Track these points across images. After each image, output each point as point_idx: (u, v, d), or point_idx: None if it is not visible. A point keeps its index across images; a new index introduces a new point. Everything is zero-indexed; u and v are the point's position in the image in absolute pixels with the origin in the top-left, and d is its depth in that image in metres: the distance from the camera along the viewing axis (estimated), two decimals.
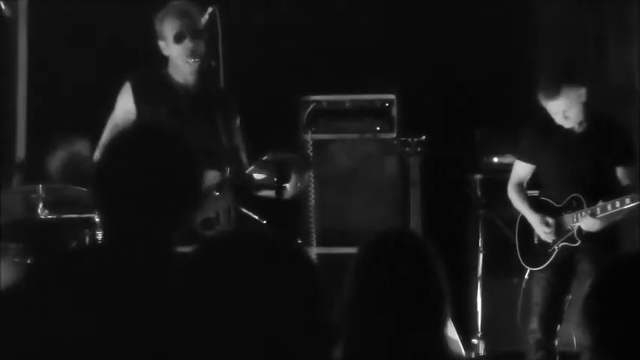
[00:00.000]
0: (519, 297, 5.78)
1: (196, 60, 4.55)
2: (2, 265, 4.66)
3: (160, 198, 2.37)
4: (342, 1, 6.79)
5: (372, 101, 6.40)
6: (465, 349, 5.62)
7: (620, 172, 5.22)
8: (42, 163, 5.63)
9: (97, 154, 4.58)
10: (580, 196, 5.17)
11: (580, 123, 5.19)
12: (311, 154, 6.20)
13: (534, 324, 5.28)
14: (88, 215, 4.88)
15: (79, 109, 6.04)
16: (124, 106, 4.62)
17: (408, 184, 5.89)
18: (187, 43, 4.53)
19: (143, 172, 2.38)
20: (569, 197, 5.22)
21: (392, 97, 6.36)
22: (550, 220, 5.25)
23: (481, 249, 6.29)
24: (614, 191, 5.12)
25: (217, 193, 4.32)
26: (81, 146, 5.44)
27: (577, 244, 5.20)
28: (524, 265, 5.42)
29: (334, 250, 5.90)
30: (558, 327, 5.28)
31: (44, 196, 4.94)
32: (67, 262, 2.39)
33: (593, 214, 5.10)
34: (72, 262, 2.39)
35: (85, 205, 4.85)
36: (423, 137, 5.83)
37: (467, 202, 6.43)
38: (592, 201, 5.12)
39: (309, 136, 6.25)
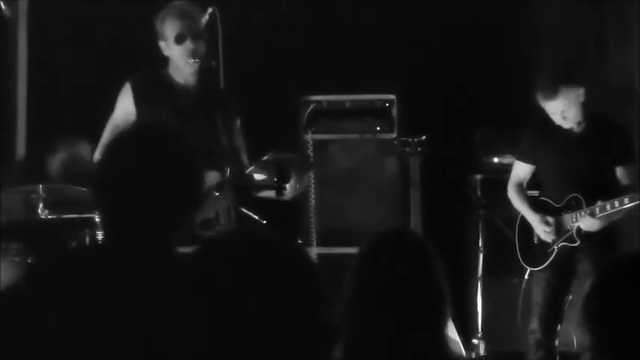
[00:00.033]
0: (520, 297, 5.78)
1: (197, 60, 4.56)
2: (2, 265, 4.66)
3: (161, 198, 2.37)
4: (342, 1, 6.79)
5: (372, 101, 6.39)
6: (465, 350, 5.62)
7: (619, 171, 5.21)
8: (42, 163, 5.63)
9: (97, 155, 4.58)
10: (579, 196, 5.17)
11: (579, 123, 5.19)
12: (311, 154, 6.20)
13: (534, 324, 5.28)
14: (88, 215, 4.88)
15: (79, 109, 6.05)
16: (124, 107, 4.62)
17: (408, 184, 5.89)
18: (188, 44, 4.54)
19: (143, 173, 2.38)
20: (568, 197, 5.22)
21: (392, 97, 6.36)
22: (550, 220, 5.25)
23: (481, 249, 6.29)
24: (613, 191, 5.11)
25: (217, 194, 4.32)
26: (81, 147, 5.44)
27: (576, 244, 5.20)
28: (524, 265, 5.43)
29: (334, 250, 5.90)
30: (558, 327, 5.28)
31: (44, 196, 4.94)
32: (67, 262, 2.39)
33: (592, 214, 5.10)
34: (72, 262, 2.39)
35: (85, 205, 4.85)
36: (423, 137, 5.83)
37: (467, 203, 6.43)
38: (591, 201, 5.12)
39: (310, 137, 6.25)
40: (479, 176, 6.41)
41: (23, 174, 5.69)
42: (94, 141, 4.76)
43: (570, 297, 5.25)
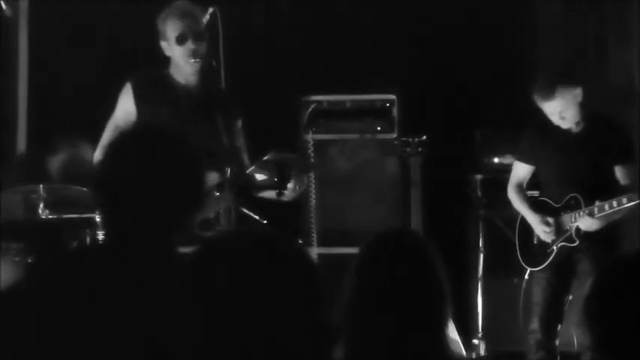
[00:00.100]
0: (520, 297, 5.78)
1: (197, 61, 4.56)
2: (3, 265, 4.67)
3: (161, 198, 2.38)
4: (342, 1, 6.79)
5: (373, 101, 6.40)
6: (465, 350, 5.62)
7: (618, 171, 5.21)
8: (42, 163, 5.63)
9: (97, 155, 4.58)
10: (578, 196, 5.17)
11: (577, 123, 5.18)
12: (312, 154, 6.20)
13: (535, 324, 5.28)
14: (88, 215, 4.88)
15: (79, 109, 6.05)
16: (125, 107, 4.62)
17: (408, 184, 5.89)
18: (189, 45, 4.54)
19: (144, 173, 2.38)
20: (567, 197, 5.22)
21: (392, 97, 6.36)
22: (550, 220, 5.25)
23: (482, 249, 6.29)
24: (612, 191, 5.11)
25: (218, 194, 4.32)
26: (82, 148, 5.44)
27: (575, 244, 5.20)
28: (524, 265, 5.43)
29: (335, 250, 5.90)
30: (559, 327, 5.28)
31: (45, 196, 4.95)
32: (67, 262, 2.40)
33: (590, 214, 5.09)
34: (72, 262, 2.39)
35: (85, 205, 4.86)
36: (424, 137, 5.83)
37: (467, 203, 6.43)
38: (590, 201, 5.11)
39: (310, 137, 6.25)
40: (479, 176, 6.41)
41: (24, 174, 5.69)
42: (95, 141, 4.77)
43: (570, 297, 5.25)
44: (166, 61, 4.65)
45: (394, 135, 6.27)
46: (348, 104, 6.39)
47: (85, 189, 4.89)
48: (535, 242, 5.35)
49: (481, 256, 6.29)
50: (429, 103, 6.50)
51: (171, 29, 4.56)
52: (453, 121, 6.51)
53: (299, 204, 6.02)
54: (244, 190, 4.40)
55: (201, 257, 1.74)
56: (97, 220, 4.80)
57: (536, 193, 5.49)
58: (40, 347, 2.20)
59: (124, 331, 2.19)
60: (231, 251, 1.73)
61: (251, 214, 4.62)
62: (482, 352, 6.23)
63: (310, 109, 6.31)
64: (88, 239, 4.93)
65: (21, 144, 6.51)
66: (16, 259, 4.89)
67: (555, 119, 5.15)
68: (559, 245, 5.24)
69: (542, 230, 5.27)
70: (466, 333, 5.99)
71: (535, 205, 5.35)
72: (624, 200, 5.00)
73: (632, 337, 2.02)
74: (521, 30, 6.84)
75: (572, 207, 5.20)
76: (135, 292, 2.23)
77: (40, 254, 4.88)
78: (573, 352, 5.53)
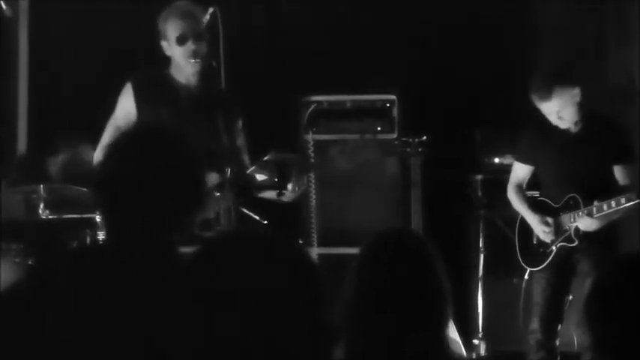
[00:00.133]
0: (520, 297, 5.78)
1: (198, 61, 4.56)
2: (3, 266, 4.67)
3: (161, 199, 2.38)
4: (342, 1, 6.79)
5: (373, 102, 6.39)
6: (466, 350, 5.62)
7: (617, 171, 5.20)
8: (43, 163, 5.64)
9: (97, 155, 4.58)
10: (577, 196, 5.17)
11: (576, 123, 5.17)
12: (312, 154, 6.20)
13: (535, 324, 5.28)
14: (88, 215, 4.89)
15: (79, 109, 6.05)
16: (125, 107, 4.62)
17: (408, 184, 5.88)
18: (190, 45, 4.54)
19: (144, 173, 2.38)
20: (566, 197, 5.22)
21: (393, 97, 6.36)
22: (549, 220, 5.25)
23: (482, 249, 6.29)
24: (611, 191, 5.10)
25: (218, 194, 4.32)
26: (82, 148, 5.45)
27: (575, 244, 5.19)
28: (523, 265, 5.42)
29: (335, 250, 5.90)
30: (559, 327, 5.27)
31: (45, 196, 4.95)
32: (67, 263, 2.40)
33: (589, 214, 5.09)
34: (73, 262, 2.39)
35: (85, 205, 4.86)
36: (424, 138, 5.82)
37: (468, 203, 6.43)
38: (589, 201, 5.10)
39: (310, 137, 6.25)
40: (479, 176, 6.41)
41: (24, 174, 5.69)
42: (95, 141, 4.77)
43: (570, 297, 5.25)
44: (167, 61, 4.65)
45: (394, 135, 6.27)
46: (348, 104, 6.39)
47: (85, 189, 4.89)
48: (535, 242, 5.35)
49: (481, 256, 6.29)
50: (429, 103, 6.50)
51: (171, 29, 4.56)
52: (453, 121, 6.51)
53: (299, 204, 6.02)
54: (244, 190, 4.40)
55: (201, 257, 1.74)
56: (97, 220, 4.80)
57: (536, 193, 5.49)
58: (40, 347, 2.20)
59: (124, 331, 2.19)
60: (231, 251, 1.73)
61: (251, 214, 4.62)
62: (482, 352, 6.23)
63: (310, 110, 6.30)
64: (88, 239, 4.93)
65: (21, 144, 6.51)
66: (17, 259, 4.89)
67: (553, 119, 5.15)
68: (558, 245, 5.24)
69: (541, 230, 5.27)
70: (466, 333, 5.99)
71: (534, 206, 5.35)
72: (623, 200, 5.00)
73: (632, 337, 2.02)
74: (521, 30, 6.84)
75: (571, 207, 5.20)
76: (135, 292, 2.23)
77: (41, 254, 4.88)
78: (573, 352, 5.52)
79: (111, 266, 2.32)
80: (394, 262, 2.58)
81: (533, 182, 5.48)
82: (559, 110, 5.10)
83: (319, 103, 6.34)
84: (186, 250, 2.09)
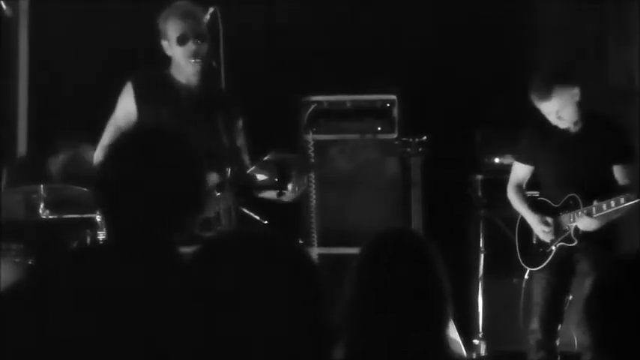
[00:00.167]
0: (520, 297, 5.78)
1: (198, 61, 4.56)
2: (3, 266, 4.67)
3: (162, 199, 2.38)
4: (342, 1, 6.79)
5: (373, 102, 6.39)
6: (466, 350, 5.62)
7: (617, 171, 5.19)
8: (43, 164, 5.64)
9: (97, 154, 4.58)
10: (576, 195, 5.17)
11: (576, 123, 5.17)
12: (312, 154, 6.20)
13: (535, 324, 5.28)
14: (89, 215, 4.89)
15: (80, 108, 6.05)
16: (125, 107, 4.62)
17: (408, 184, 5.88)
18: (190, 45, 4.54)
19: (144, 173, 2.38)
20: (566, 197, 5.22)
21: (393, 97, 6.36)
22: (549, 220, 5.25)
23: (482, 249, 6.30)
24: (611, 191, 5.10)
25: (218, 194, 4.32)
26: (82, 148, 5.45)
27: (574, 244, 5.19)
28: (523, 265, 5.42)
29: (335, 250, 5.90)
30: (559, 327, 5.27)
31: (45, 196, 4.95)
32: (67, 263, 2.40)
33: (589, 214, 5.09)
34: (73, 262, 2.39)
35: (86, 205, 4.86)
36: (424, 138, 5.82)
37: (468, 203, 6.43)
38: (588, 200, 5.10)
39: (310, 137, 6.25)
40: (479, 176, 6.41)
41: (24, 174, 5.69)
42: (95, 141, 4.77)
43: (570, 297, 5.25)
44: (167, 60, 4.65)
45: (394, 135, 6.27)
46: (348, 104, 6.39)
47: (85, 189, 4.89)
48: (534, 242, 5.35)
49: (481, 256, 6.29)
50: (429, 103, 6.50)
51: (172, 29, 4.56)
52: (453, 121, 6.51)
53: (299, 204, 6.02)
54: (244, 190, 4.40)
55: (201, 257, 1.75)
56: (97, 220, 4.80)
57: (536, 193, 5.49)
58: (40, 347, 2.20)
59: (125, 331, 2.19)
60: (231, 251, 1.73)
61: (251, 214, 4.62)
62: (482, 352, 6.24)
63: (310, 110, 6.31)
64: (88, 239, 4.93)
65: (21, 144, 6.51)
66: (17, 259, 4.89)
67: (552, 119, 5.15)
68: (558, 245, 5.24)
69: (541, 230, 5.27)
70: (466, 333, 5.99)
71: (534, 205, 5.35)
72: (622, 200, 5.00)
73: (632, 337, 2.02)
74: (521, 30, 6.84)
75: (571, 207, 5.20)
76: (135, 292, 2.23)
77: (41, 254, 4.88)
78: (573, 352, 5.52)
79: (111, 266, 2.32)
80: (394, 262, 2.58)
81: (533, 182, 5.48)
82: (558, 110, 5.10)
83: (319, 103, 6.34)
84: (186, 250, 2.09)
